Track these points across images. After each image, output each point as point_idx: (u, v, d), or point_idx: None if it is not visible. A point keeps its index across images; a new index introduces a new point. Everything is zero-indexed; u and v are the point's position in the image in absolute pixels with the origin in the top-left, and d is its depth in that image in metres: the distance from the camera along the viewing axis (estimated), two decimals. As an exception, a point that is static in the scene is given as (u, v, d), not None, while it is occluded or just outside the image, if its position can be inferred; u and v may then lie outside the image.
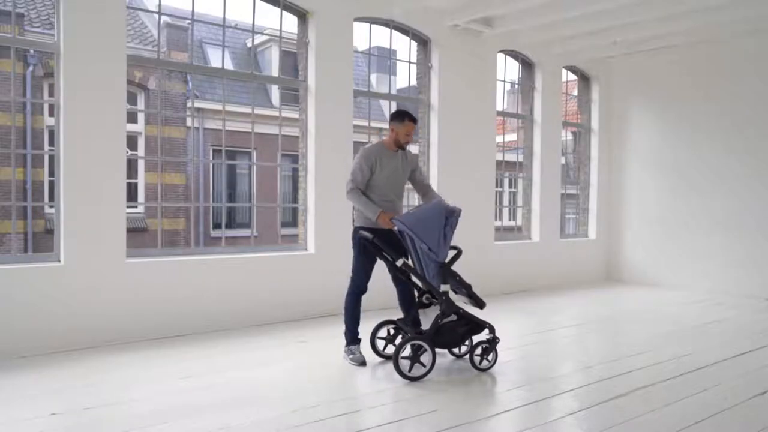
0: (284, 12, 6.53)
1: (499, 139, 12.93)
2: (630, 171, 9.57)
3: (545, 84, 8.92)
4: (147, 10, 15.37)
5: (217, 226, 16.37)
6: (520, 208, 9.20)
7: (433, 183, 7.65)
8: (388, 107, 15.78)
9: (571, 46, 8.68)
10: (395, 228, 4.58)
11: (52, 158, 5.29)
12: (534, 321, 6.67)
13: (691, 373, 4.55)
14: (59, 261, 5.09)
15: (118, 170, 5.32)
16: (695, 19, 7.34)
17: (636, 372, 4.59)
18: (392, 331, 4.87)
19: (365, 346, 4.75)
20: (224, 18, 6.31)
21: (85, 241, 5.11)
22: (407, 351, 4.34)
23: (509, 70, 14.99)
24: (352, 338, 4.76)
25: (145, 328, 5.35)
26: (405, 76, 24.36)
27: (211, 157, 16.17)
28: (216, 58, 16.86)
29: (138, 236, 13.47)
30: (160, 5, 6.02)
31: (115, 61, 5.28)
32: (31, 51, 12.84)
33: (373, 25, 7.26)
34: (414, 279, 4.70)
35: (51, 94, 12.84)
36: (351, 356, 4.68)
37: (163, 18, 13.54)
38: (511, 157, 10.49)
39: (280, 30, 6.76)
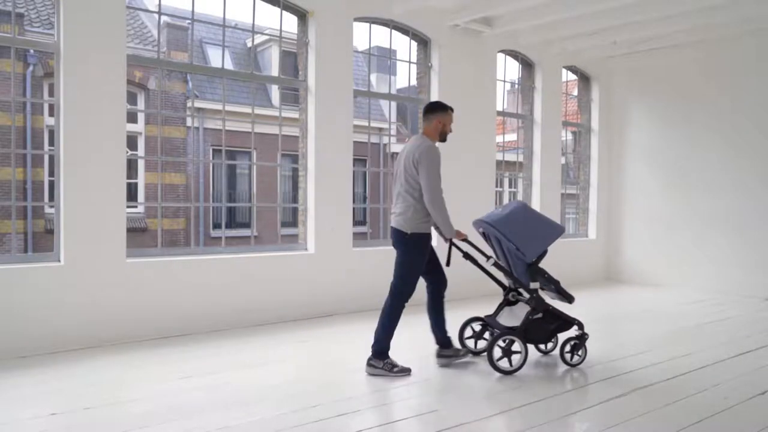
0: (284, 12, 6.53)
1: (499, 139, 12.93)
2: (630, 171, 9.57)
3: (545, 84, 8.91)
4: (147, 10, 15.37)
5: (217, 226, 16.38)
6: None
7: (433, 183, 7.66)
8: (388, 107, 15.85)
9: (571, 46, 8.67)
10: (480, 231, 4.72)
11: (52, 158, 5.28)
12: (534, 321, 6.66)
13: (691, 373, 4.55)
14: (59, 261, 5.09)
15: (118, 170, 5.32)
16: (695, 19, 7.34)
17: (636, 372, 4.59)
18: (480, 328, 4.97)
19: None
20: (224, 18, 6.31)
21: (85, 241, 5.11)
22: (500, 345, 4.44)
23: (509, 70, 14.93)
24: (386, 349, 4.41)
25: (145, 328, 5.35)
26: (405, 76, 24.40)
27: (211, 157, 16.18)
28: (216, 58, 16.87)
29: (138, 236, 13.48)
30: (160, 5, 6.02)
31: (115, 61, 5.28)
32: (31, 51, 12.84)
33: (373, 25, 7.26)
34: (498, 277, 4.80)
35: (51, 94, 12.85)
36: (396, 369, 4.35)
37: (163, 18, 13.55)
38: (511, 157, 10.48)
39: (280, 30, 6.76)
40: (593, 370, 4.68)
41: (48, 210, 13.23)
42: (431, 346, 5.07)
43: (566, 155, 12.92)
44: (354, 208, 7.03)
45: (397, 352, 4.46)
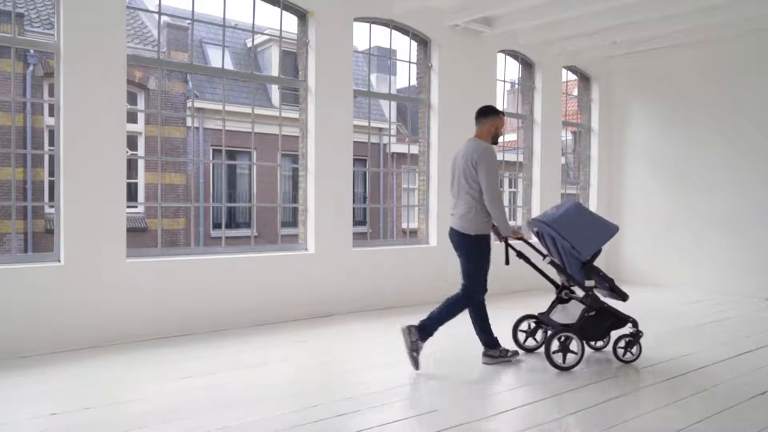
0: (284, 12, 6.53)
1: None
2: (630, 171, 9.57)
3: (545, 84, 8.91)
4: (147, 10, 15.38)
5: (217, 226, 16.38)
6: (520, 208, 9.20)
7: (434, 183, 7.67)
8: (388, 107, 15.86)
9: (571, 46, 8.67)
10: (534, 230, 4.79)
11: (52, 158, 5.28)
12: (534, 321, 6.65)
13: (691, 373, 4.55)
14: (59, 261, 5.08)
15: (118, 170, 5.32)
16: (695, 19, 7.34)
17: (635, 372, 4.59)
18: (533, 325, 5.03)
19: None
20: (224, 18, 6.31)
21: (85, 241, 5.11)
22: (557, 343, 4.52)
23: (509, 70, 14.92)
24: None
25: (145, 328, 5.35)
26: (405, 76, 24.43)
27: (211, 157, 16.18)
28: (216, 58, 16.87)
29: (138, 236, 13.48)
30: (160, 5, 6.02)
31: (115, 61, 5.28)
32: (31, 51, 12.85)
33: (373, 25, 7.26)
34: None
35: (51, 94, 12.85)
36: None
37: (163, 18, 13.55)
38: (511, 157, 10.49)
39: (280, 30, 6.76)
40: (593, 370, 4.68)
41: (48, 210, 13.23)
42: (431, 346, 5.08)
43: (566, 155, 12.93)
44: (354, 208, 7.04)
45: (398, 350, 4.46)
